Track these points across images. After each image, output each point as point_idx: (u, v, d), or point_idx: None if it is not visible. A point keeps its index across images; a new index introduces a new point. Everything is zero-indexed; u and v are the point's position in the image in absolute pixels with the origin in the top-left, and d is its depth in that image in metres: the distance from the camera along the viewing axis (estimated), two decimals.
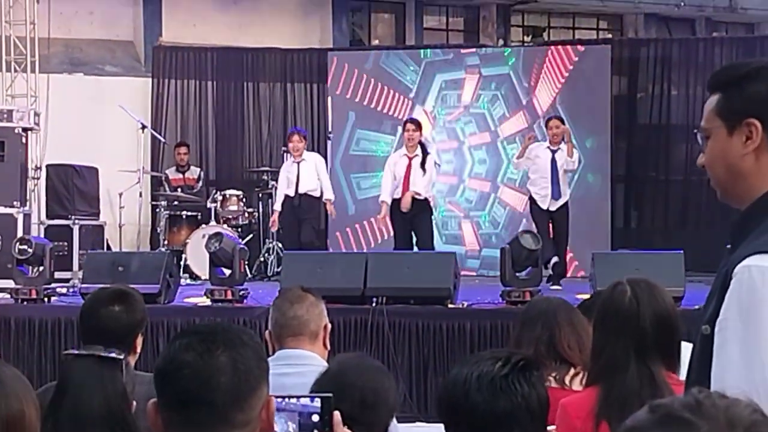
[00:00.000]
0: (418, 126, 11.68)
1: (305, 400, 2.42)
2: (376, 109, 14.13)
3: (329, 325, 4.05)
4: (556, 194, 11.57)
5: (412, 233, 11.56)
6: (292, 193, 12.08)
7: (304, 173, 12.10)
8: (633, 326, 3.18)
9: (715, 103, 2.39)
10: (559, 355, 3.98)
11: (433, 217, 11.81)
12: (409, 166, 11.48)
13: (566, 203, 11.70)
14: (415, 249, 11.40)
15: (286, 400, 2.40)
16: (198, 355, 2.18)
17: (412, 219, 11.53)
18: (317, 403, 2.41)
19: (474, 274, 13.36)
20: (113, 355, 2.89)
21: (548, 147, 11.69)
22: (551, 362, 3.95)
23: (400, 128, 12.69)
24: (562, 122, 11.83)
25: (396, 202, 11.54)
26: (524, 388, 2.48)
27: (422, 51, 14.26)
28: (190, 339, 2.21)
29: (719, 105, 2.38)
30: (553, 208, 11.62)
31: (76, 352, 2.96)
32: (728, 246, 2.38)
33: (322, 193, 12.19)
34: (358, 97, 14.14)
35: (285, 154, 12.77)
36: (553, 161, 11.57)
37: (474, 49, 14.56)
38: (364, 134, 14.12)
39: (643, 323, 3.18)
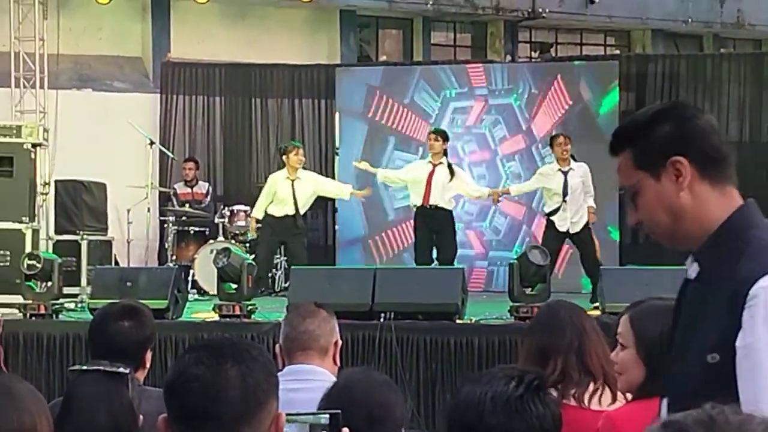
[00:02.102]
0: (440, 135, 11.77)
1: (317, 415, 2.43)
2: (406, 135, 14.24)
3: (340, 342, 4.04)
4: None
5: (434, 245, 11.65)
6: (292, 212, 12.04)
7: (301, 192, 12.08)
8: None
9: (630, 159, 2.44)
10: (585, 366, 3.81)
11: (456, 230, 11.90)
12: (431, 173, 11.56)
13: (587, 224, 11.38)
14: (435, 262, 11.48)
15: (298, 413, 2.42)
16: (207, 369, 2.17)
17: (438, 231, 11.61)
18: (326, 419, 2.42)
19: (483, 275, 13.74)
20: (119, 369, 2.89)
21: (559, 169, 11.39)
22: (578, 374, 3.80)
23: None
24: (569, 140, 11.47)
25: (418, 210, 11.63)
26: (539, 409, 2.47)
27: (446, 91, 14.23)
28: (200, 353, 2.21)
29: (635, 158, 2.43)
30: (573, 231, 11.33)
31: (82, 367, 2.96)
32: (692, 276, 2.41)
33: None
34: (388, 121, 14.22)
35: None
36: (566, 182, 11.28)
37: (481, 65, 14.61)
38: (400, 155, 14.17)
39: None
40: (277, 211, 11.98)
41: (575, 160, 11.42)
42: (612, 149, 2.49)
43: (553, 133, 12.28)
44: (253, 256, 12.21)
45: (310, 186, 12.12)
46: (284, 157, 12.12)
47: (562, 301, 4.38)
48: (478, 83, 14.22)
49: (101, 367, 2.88)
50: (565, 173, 11.31)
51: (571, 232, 11.30)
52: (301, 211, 12.01)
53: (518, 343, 7.62)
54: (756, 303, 2.18)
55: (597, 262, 11.17)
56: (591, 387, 3.79)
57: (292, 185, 11.96)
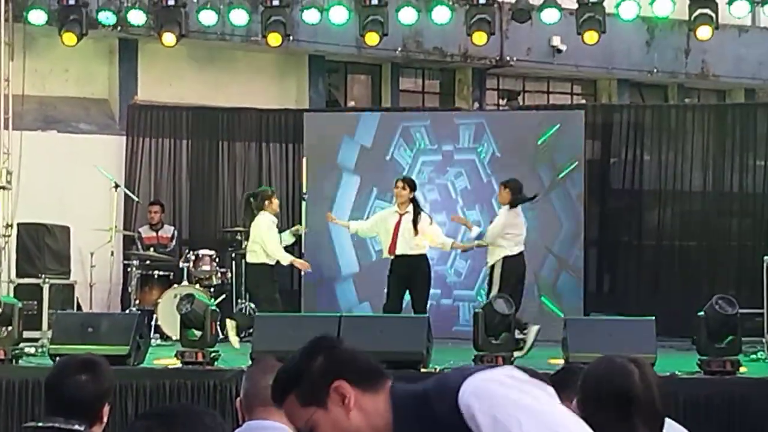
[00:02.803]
0: (407, 184, 11.88)
1: None
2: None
3: None
4: None
5: (407, 292, 11.69)
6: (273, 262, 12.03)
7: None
8: (625, 403, 3.11)
9: (295, 402, 2.57)
10: None
11: (431, 274, 11.91)
12: (398, 223, 11.66)
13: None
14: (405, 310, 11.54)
15: None
16: None
17: (410, 278, 11.61)
18: None
19: (448, 312, 13.70)
20: (74, 427, 2.84)
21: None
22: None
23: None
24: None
25: (393, 260, 11.71)
26: None
27: (417, 142, 14.24)
28: (150, 422, 2.17)
29: (300, 398, 2.56)
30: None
31: (37, 424, 2.91)
32: None
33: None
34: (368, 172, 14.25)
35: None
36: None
37: (451, 112, 14.67)
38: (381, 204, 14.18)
39: (655, 401, 3.12)
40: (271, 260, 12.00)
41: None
42: (276, 400, 2.62)
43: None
44: (218, 300, 12.17)
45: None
46: (267, 202, 12.04)
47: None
48: (446, 140, 14.20)
49: (56, 424, 2.83)
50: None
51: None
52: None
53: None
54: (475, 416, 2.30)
55: None
56: None
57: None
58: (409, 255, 11.61)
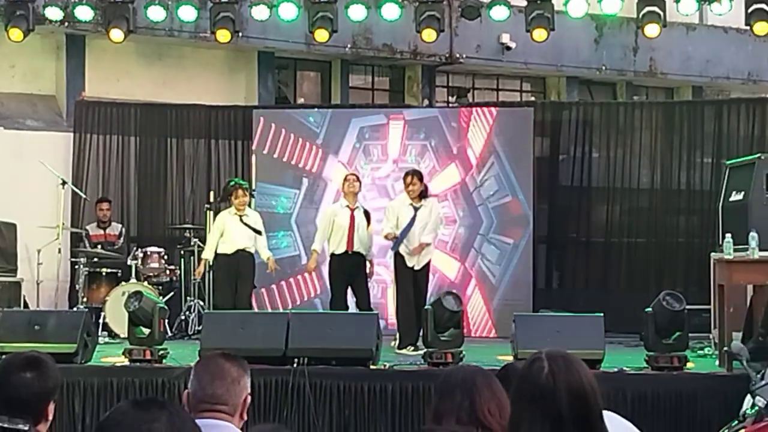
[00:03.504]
0: (358, 178, 11.98)
1: None
2: (281, 159, 14.13)
3: (249, 398, 3.98)
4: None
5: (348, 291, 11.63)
6: (231, 250, 11.96)
7: (245, 229, 12.05)
8: (549, 403, 3.15)
9: None
10: (480, 421, 3.91)
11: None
12: (352, 217, 11.59)
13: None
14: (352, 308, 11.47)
15: None
16: (135, 409, 2.25)
17: (353, 276, 11.56)
18: None
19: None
20: (18, 426, 2.81)
21: (411, 204, 11.49)
22: (473, 430, 3.90)
23: (305, 180, 13.46)
24: (420, 179, 11.56)
25: (336, 258, 11.60)
26: None
27: (371, 154, 14.18)
28: (128, 401, 2.24)
29: None
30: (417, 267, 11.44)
31: None
32: None
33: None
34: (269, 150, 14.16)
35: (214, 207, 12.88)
36: (413, 219, 11.41)
37: (400, 110, 14.67)
38: (264, 188, 14.05)
39: (559, 400, 3.14)
40: (228, 248, 11.91)
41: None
42: None
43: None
44: (166, 298, 12.10)
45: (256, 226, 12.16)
46: (232, 196, 12.05)
47: (459, 366, 4.57)
48: (394, 153, 14.12)
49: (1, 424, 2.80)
50: (416, 209, 11.42)
51: (416, 268, 11.38)
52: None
53: (431, 389, 7.62)
54: None
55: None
56: None
57: (241, 220, 11.99)
58: (357, 252, 11.58)
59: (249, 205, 12.44)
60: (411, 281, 11.28)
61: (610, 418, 3.56)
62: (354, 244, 11.57)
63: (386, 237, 11.50)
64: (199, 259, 12.54)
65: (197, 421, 3.78)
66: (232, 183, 12.52)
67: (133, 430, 2.17)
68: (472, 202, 13.87)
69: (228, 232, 11.95)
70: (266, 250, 12.28)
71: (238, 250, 11.91)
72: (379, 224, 11.82)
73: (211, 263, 12.24)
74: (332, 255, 11.68)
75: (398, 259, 11.42)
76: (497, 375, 4.15)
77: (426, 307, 9.73)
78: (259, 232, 12.09)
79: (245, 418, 3.94)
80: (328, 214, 12.07)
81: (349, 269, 11.57)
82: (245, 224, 11.97)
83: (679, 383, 8.93)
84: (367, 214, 11.80)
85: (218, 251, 12.01)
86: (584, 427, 3.13)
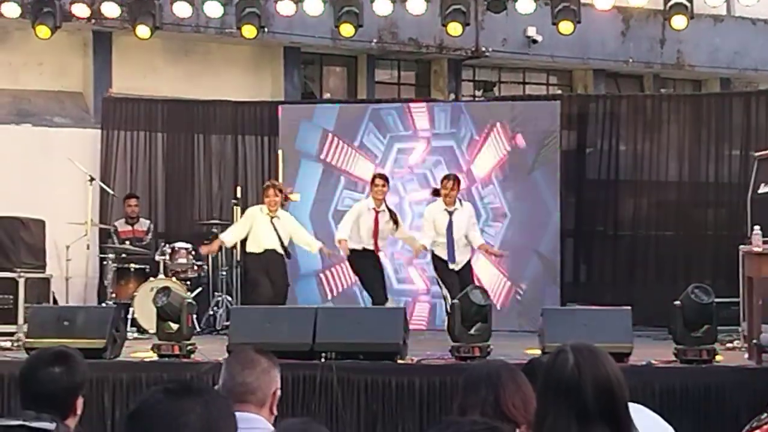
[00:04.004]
0: (386, 181, 12.07)
1: None
2: (355, 175, 14.30)
3: (279, 391, 4.00)
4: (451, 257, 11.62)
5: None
6: (260, 250, 12.04)
7: (282, 231, 12.14)
8: (575, 396, 3.13)
9: None
10: (504, 415, 3.92)
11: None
12: (376, 220, 11.79)
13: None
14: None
15: None
16: (168, 398, 2.19)
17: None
18: None
19: (426, 310, 13.72)
20: (43, 425, 2.82)
21: (445, 209, 11.71)
22: (498, 423, 3.90)
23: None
24: (459, 185, 11.85)
25: (362, 252, 11.79)
26: None
27: (391, 133, 14.27)
28: (161, 387, 2.23)
29: None
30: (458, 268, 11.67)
31: (7, 422, 2.88)
32: None
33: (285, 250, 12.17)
34: (334, 160, 14.27)
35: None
36: (450, 223, 11.62)
37: (424, 103, 14.68)
38: (350, 194, 14.19)
39: (584, 393, 3.12)
40: (257, 247, 12.01)
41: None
42: None
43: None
44: (194, 293, 12.14)
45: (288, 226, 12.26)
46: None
47: (484, 362, 4.53)
48: (422, 126, 14.27)
49: (25, 422, 2.80)
50: (450, 213, 11.64)
51: (456, 269, 11.62)
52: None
53: (458, 383, 7.61)
54: None
55: None
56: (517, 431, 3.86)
57: (272, 222, 12.10)
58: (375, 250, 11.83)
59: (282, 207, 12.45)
60: (457, 281, 11.40)
61: (638, 410, 3.55)
62: (378, 246, 11.84)
63: (416, 254, 12.16)
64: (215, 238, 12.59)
65: None
66: (266, 184, 12.58)
67: (167, 422, 2.15)
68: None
69: (257, 230, 12.03)
70: (314, 240, 12.40)
71: (266, 250, 11.98)
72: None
73: (228, 248, 12.52)
74: (353, 250, 11.77)
75: (439, 262, 11.61)
76: (523, 369, 4.14)
77: (453, 301, 9.72)
78: (285, 249, 12.14)
79: (275, 413, 3.95)
80: (355, 209, 12.14)
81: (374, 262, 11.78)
82: (274, 228, 12.02)
83: (707, 376, 8.88)
84: (393, 215, 11.93)
85: (248, 250, 12.15)
86: (611, 419, 3.12)
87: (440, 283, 11.68)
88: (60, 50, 14.79)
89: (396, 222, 12.00)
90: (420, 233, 12.02)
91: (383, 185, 11.95)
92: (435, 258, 11.69)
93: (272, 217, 12.07)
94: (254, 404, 3.88)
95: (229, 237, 12.29)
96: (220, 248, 12.91)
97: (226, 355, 7.82)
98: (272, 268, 11.98)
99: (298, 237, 12.31)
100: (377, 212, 11.87)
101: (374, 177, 12.17)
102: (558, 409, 3.13)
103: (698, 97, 15.55)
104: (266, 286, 11.88)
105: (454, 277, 11.48)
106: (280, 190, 12.34)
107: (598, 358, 3.20)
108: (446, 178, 11.85)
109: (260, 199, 13.16)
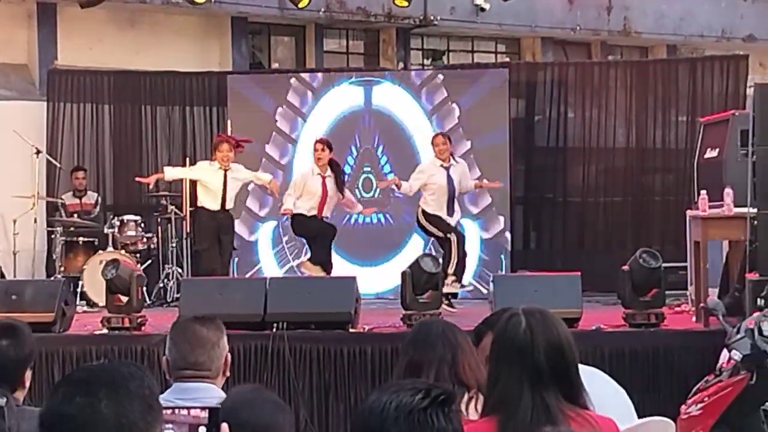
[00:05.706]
0: (327, 146, 11.78)
1: (195, 412, 2.46)
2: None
3: (229, 357, 3.99)
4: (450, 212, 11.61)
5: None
6: (217, 207, 11.78)
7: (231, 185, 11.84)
8: (527, 358, 3.16)
9: None
10: (458, 377, 3.91)
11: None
12: (324, 185, 11.62)
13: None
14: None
15: (176, 411, 2.44)
16: (80, 409, 2.12)
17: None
18: (206, 414, 2.45)
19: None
20: None
21: (441, 164, 11.64)
22: (452, 385, 3.82)
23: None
24: (450, 141, 11.85)
25: (305, 218, 11.61)
26: (441, 422, 2.44)
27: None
28: (73, 388, 2.15)
29: None
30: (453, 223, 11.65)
31: None
32: None
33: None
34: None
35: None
36: (449, 177, 11.57)
37: (374, 73, 14.64)
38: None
39: (537, 355, 3.15)
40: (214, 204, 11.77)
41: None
42: None
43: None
44: (144, 265, 12.08)
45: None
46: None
47: (436, 318, 4.53)
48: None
49: None
50: (447, 169, 11.58)
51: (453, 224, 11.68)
52: (229, 205, 11.87)
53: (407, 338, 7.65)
54: None
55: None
56: (465, 397, 3.87)
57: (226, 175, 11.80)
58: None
59: None
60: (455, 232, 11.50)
61: (592, 373, 3.59)
62: (323, 212, 11.65)
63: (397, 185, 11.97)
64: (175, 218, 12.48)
65: (180, 385, 3.81)
66: (218, 139, 12.33)
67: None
68: None
69: (210, 184, 11.73)
70: (265, 174, 12.32)
71: (220, 209, 11.71)
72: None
73: (168, 183, 12.67)
74: (301, 215, 11.67)
75: (433, 218, 11.50)
76: (478, 325, 4.15)
77: (404, 269, 9.74)
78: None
79: (227, 374, 3.96)
80: (299, 178, 12.02)
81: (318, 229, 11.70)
82: (226, 182, 11.67)
83: (656, 339, 8.99)
84: (338, 174, 11.80)
85: (201, 204, 11.79)
86: (562, 382, 3.15)
87: (438, 232, 11.56)
88: (3, 22, 14.59)
89: (340, 182, 11.81)
90: (406, 182, 11.83)
91: (322, 149, 11.74)
92: (428, 216, 11.52)
93: (225, 170, 11.79)
94: (209, 377, 3.88)
95: (171, 172, 12.26)
96: (157, 185, 12.95)
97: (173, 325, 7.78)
98: (223, 230, 11.78)
99: (255, 178, 12.20)
100: (323, 177, 11.76)
101: (315, 142, 12.04)
102: (510, 370, 3.15)
103: (645, 64, 15.67)
104: (215, 251, 11.67)
105: (454, 228, 11.51)
106: (236, 144, 12.13)
107: (550, 321, 3.23)
108: (438, 135, 11.89)
109: None
